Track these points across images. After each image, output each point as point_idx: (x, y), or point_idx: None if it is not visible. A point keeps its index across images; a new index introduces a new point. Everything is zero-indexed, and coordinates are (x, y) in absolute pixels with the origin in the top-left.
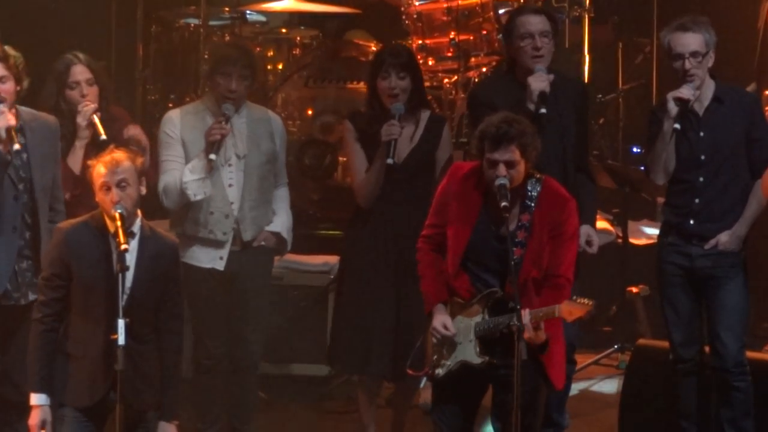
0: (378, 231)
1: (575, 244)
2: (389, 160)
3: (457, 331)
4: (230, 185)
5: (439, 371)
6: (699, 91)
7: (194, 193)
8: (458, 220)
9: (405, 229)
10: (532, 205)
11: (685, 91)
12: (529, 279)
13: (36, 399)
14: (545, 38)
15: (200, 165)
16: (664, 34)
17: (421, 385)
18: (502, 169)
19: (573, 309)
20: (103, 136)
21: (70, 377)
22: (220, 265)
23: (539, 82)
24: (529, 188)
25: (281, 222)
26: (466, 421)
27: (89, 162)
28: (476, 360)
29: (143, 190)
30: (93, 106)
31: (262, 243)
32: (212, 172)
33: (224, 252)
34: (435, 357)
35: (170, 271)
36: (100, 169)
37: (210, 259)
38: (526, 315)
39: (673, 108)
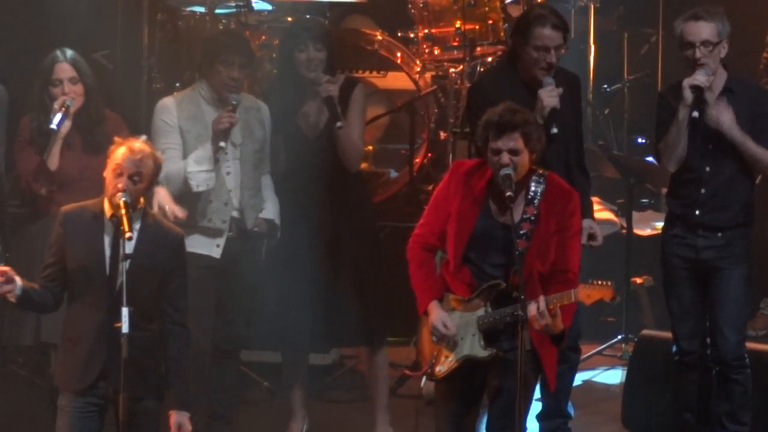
0: (301, 204)
1: (580, 239)
2: (338, 124)
3: (457, 327)
4: (228, 173)
5: (441, 368)
6: (713, 77)
7: (197, 185)
8: (461, 214)
9: (336, 198)
10: (537, 198)
11: (700, 78)
12: (534, 271)
13: None
14: (559, 52)
15: (206, 156)
16: (677, 24)
17: (421, 384)
18: (505, 158)
19: (591, 291)
20: (53, 126)
21: (66, 362)
22: (217, 253)
23: (551, 97)
24: (533, 182)
25: (273, 209)
26: (469, 415)
27: (116, 138)
28: (482, 353)
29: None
30: (65, 98)
31: (256, 229)
32: (218, 164)
33: (221, 240)
34: (434, 354)
35: (172, 262)
36: (121, 152)
37: (206, 246)
38: (542, 301)
39: (689, 96)
